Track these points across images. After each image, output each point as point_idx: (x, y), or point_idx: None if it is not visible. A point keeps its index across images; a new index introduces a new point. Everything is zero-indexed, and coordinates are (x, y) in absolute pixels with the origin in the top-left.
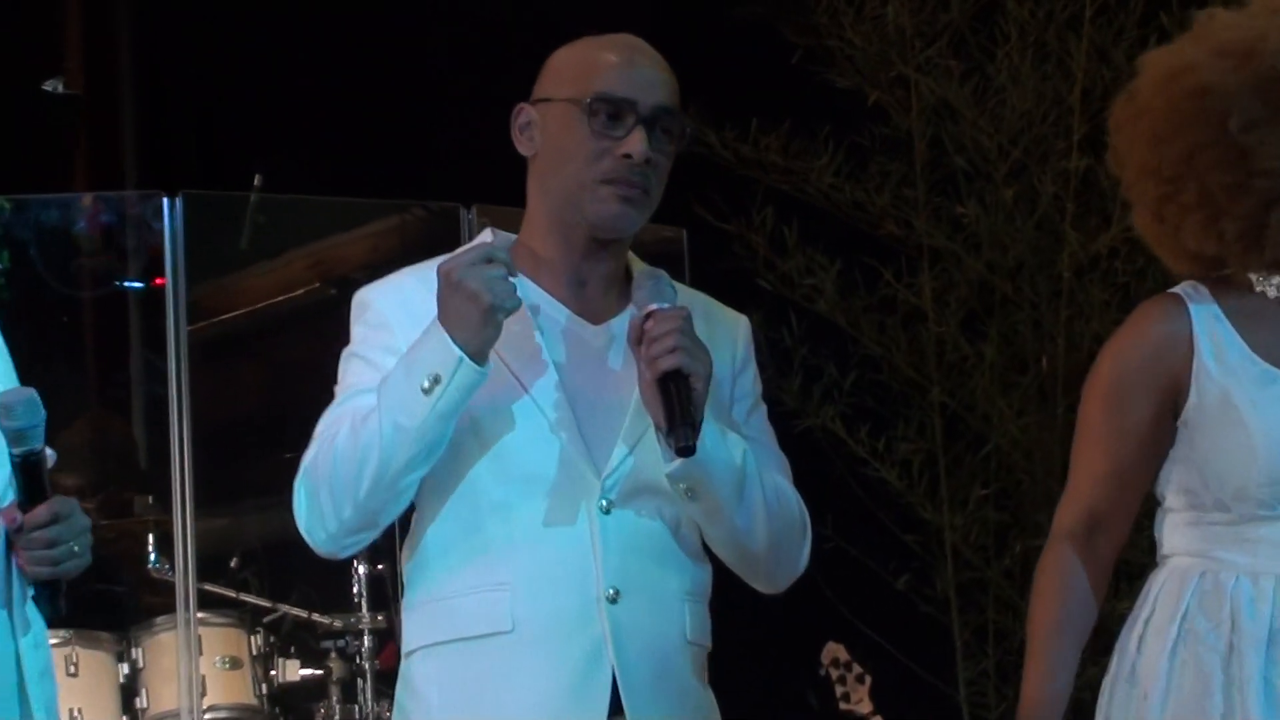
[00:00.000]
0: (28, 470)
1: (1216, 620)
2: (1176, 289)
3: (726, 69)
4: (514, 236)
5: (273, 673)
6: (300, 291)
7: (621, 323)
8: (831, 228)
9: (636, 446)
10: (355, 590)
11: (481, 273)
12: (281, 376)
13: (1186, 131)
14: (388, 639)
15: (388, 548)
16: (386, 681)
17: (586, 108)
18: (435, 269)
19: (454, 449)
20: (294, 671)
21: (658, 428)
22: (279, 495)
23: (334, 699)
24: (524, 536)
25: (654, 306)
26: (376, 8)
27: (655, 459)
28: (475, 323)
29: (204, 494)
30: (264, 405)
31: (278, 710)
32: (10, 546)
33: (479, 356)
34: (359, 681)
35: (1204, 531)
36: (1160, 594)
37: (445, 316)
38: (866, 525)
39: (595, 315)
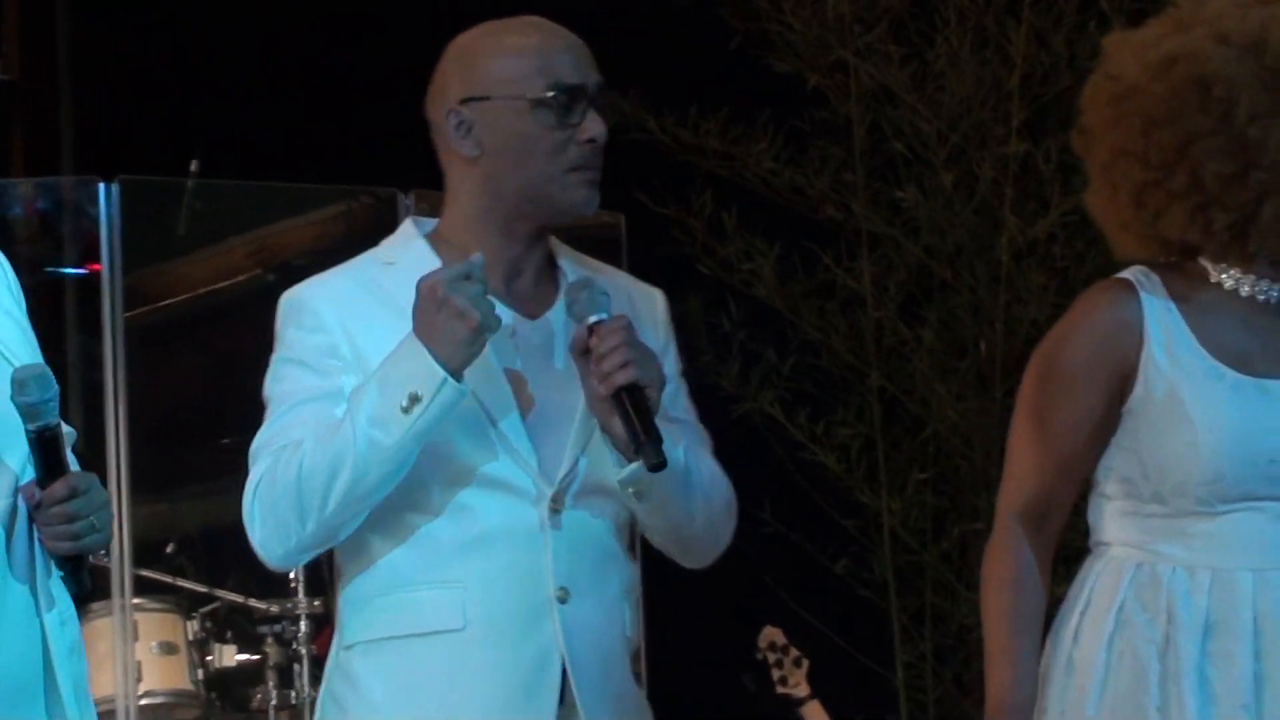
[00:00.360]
0: (44, 445)
1: (1153, 612)
2: (1127, 274)
3: (666, 54)
4: (435, 222)
5: (209, 658)
6: (240, 278)
7: (557, 316)
8: (770, 212)
9: (587, 448)
10: (291, 576)
11: (467, 290)
12: (220, 363)
13: (1185, 118)
14: (324, 624)
15: None
16: (323, 666)
17: (547, 101)
18: (363, 266)
19: None
20: (230, 657)
21: (613, 440)
22: (216, 481)
23: (270, 684)
24: (476, 536)
25: (594, 319)
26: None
27: (603, 460)
28: (462, 341)
29: (140, 480)
30: (202, 392)
31: (214, 695)
32: (32, 523)
33: (458, 374)
34: (295, 666)
35: (1141, 523)
36: (1097, 584)
37: (428, 333)
38: (805, 509)
39: (530, 308)
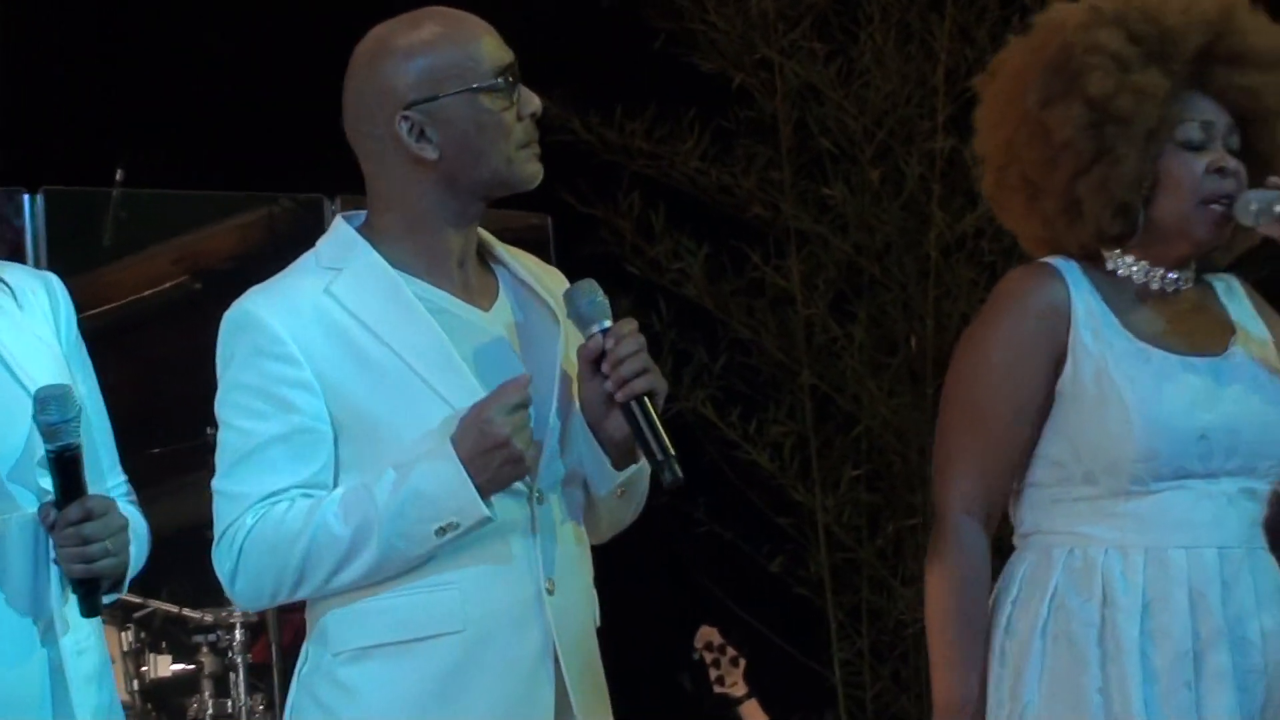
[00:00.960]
0: (63, 466)
1: (1088, 595)
2: (1047, 259)
3: (590, 54)
4: (363, 216)
5: (144, 668)
6: (166, 285)
7: (504, 306)
8: (698, 212)
9: (561, 435)
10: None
11: (523, 431)
12: (149, 371)
13: (1004, 116)
14: (260, 633)
15: None
16: (259, 675)
17: (494, 87)
18: (309, 273)
19: (383, 462)
20: (165, 667)
21: (611, 443)
22: (146, 490)
23: (206, 694)
24: (471, 540)
25: (603, 325)
26: (230, 3)
27: (572, 446)
28: (508, 482)
29: None
30: (131, 401)
31: (150, 706)
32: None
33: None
34: (231, 676)
35: (1069, 508)
36: (1027, 573)
37: (478, 467)
38: (739, 508)
39: (479, 296)
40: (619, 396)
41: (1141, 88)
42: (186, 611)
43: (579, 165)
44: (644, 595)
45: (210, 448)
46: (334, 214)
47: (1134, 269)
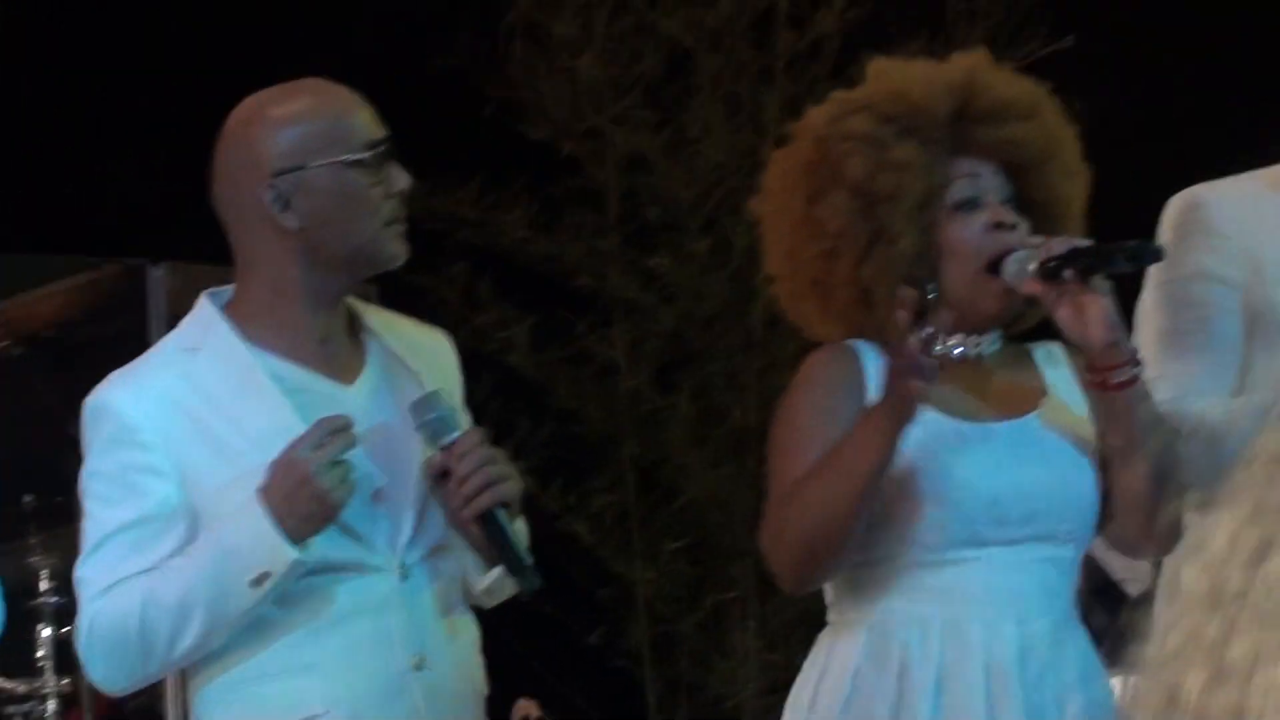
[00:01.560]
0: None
1: (886, 670)
2: (843, 341)
3: (419, 121)
4: (229, 290)
5: None
6: None
7: (368, 379)
8: (525, 281)
9: (426, 507)
10: (40, 654)
11: (332, 469)
12: None
13: (777, 227)
14: (72, 704)
15: (74, 610)
16: None
17: (363, 161)
18: (167, 357)
19: None
20: None
21: (468, 540)
22: None
23: None
24: (329, 619)
25: (450, 439)
26: (55, 64)
27: (439, 519)
28: (317, 521)
29: None
30: None
31: None
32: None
33: (305, 544)
34: None
35: (874, 584)
36: (831, 651)
37: (283, 509)
38: (558, 580)
39: (343, 371)
40: (467, 514)
41: (899, 161)
42: (0, 681)
43: (406, 233)
44: None
45: (26, 515)
46: (158, 280)
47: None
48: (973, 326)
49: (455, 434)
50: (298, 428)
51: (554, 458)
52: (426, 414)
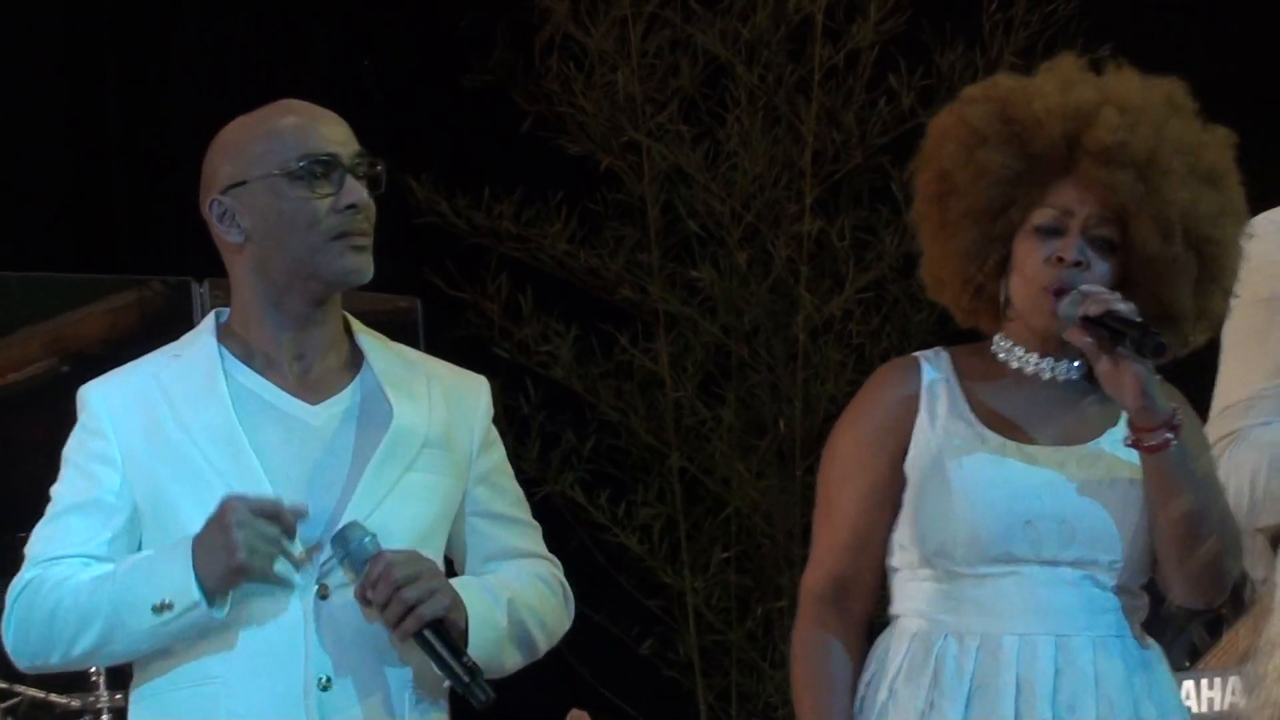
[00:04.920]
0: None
1: (919, 681)
2: (918, 353)
3: (458, 137)
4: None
5: None
6: (34, 369)
7: (341, 400)
8: (567, 294)
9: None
10: (93, 670)
11: (253, 531)
12: (14, 455)
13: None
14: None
15: None
16: None
17: (297, 172)
18: (153, 360)
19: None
20: None
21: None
22: (11, 574)
23: None
24: (237, 629)
25: (363, 578)
26: (100, 82)
27: (389, 539)
28: (221, 572)
29: None
30: None
31: None
32: None
33: (217, 597)
34: None
35: (916, 591)
36: (880, 654)
37: (201, 546)
38: (608, 591)
39: (317, 390)
40: (398, 638)
41: (984, 164)
42: (53, 697)
43: (447, 248)
44: (512, 680)
45: None
46: (202, 297)
47: (1003, 350)
48: (1038, 345)
49: (359, 566)
50: (237, 432)
51: (600, 470)
52: (348, 545)
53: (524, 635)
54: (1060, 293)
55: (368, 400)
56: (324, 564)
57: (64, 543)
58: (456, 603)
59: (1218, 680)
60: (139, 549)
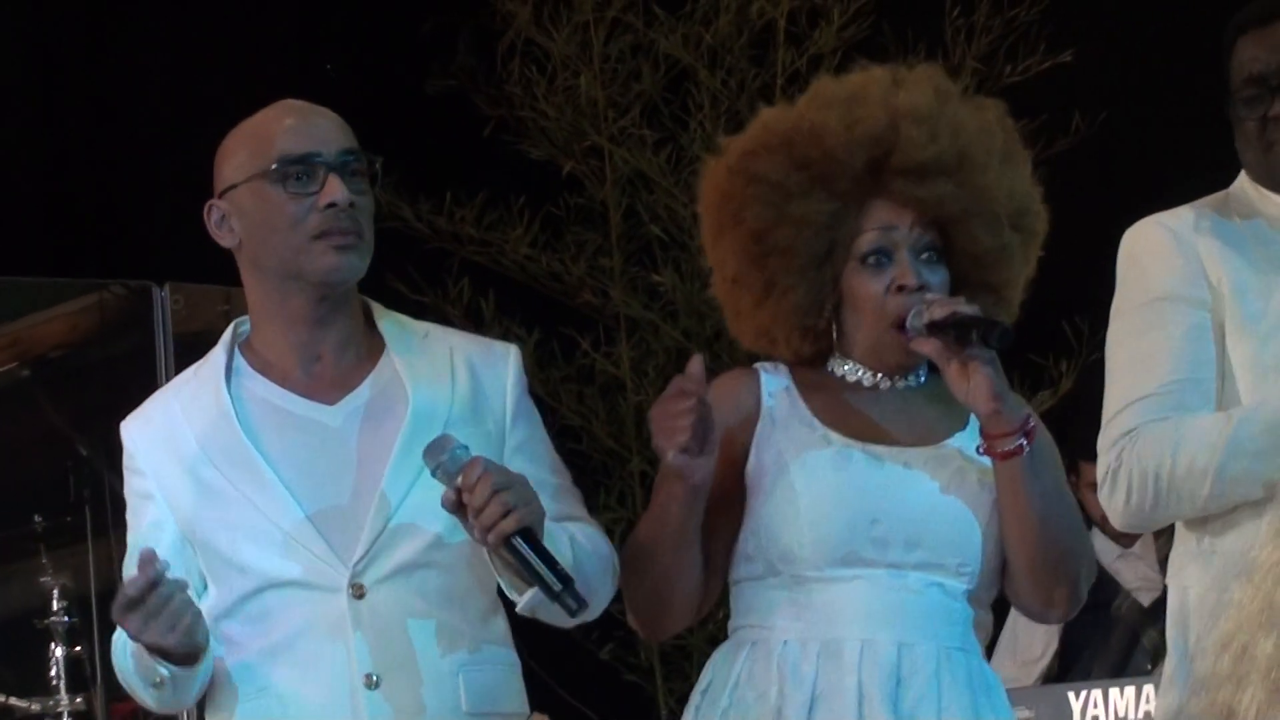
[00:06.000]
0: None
1: (763, 688)
2: (759, 365)
3: (420, 141)
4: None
5: None
6: None
7: (360, 395)
8: (528, 298)
9: (389, 526)
10: (53, 673)
11: (140, 617)
12: None
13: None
14: None
15: (86, 629)
16: None
17: (274, 174)
18: (181, 380)
19: (217, 573)
20: None
21: (516, 579)
22: None
23: None
24: (280, 641)
25: (461, 476)
26: (63, 86)
27: (419, 532)
28: (166, 648)
29: None
30: None
31: None
32: None
33: (189, 660)
34: None
35: (758, 600)
36: (719, 662)
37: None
38: None
39: (335, 388)
40: (490, 542)
41: (800, 217)
42: (13, 701)
43: (409, 252)
44: None
45: (38, 535)
46: (164, 301)
47: (847, 369)
48: (889, 370)
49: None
50: (246, 448)
51: None
52: (439, 455)
53: (585, 578)
54: (900, 323)
55: (387, 390)
56: (356, 564)
57: None
58: (543, 515)
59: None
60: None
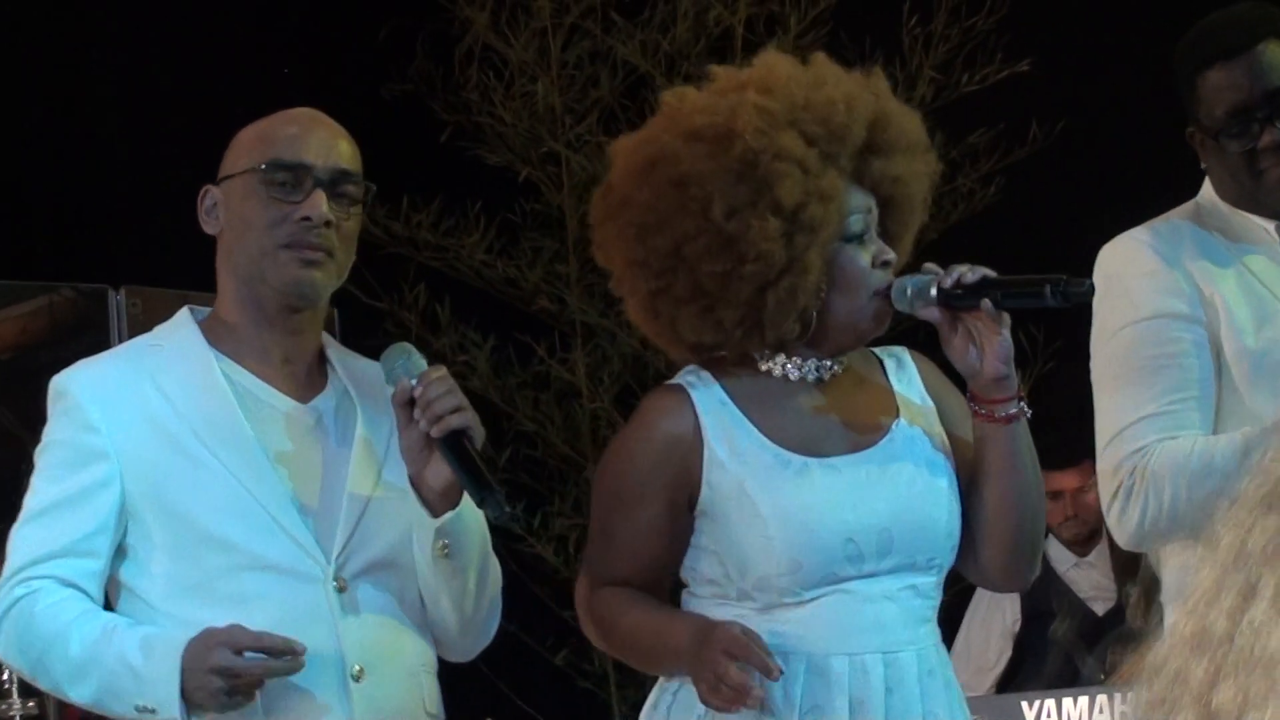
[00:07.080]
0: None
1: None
2: (678, 379)
3: (377, 146)
4: (208, 311)
5: None
6: None
7: (327, 401)
8: (484, 304)
9: (360, 524)
10: (4, 676)
11: (224, 687)
12: None
13: (672, 222)
14: None
15: None
16: None
17: (263, 174)
18: (132, 349)
19: (184, 547)
20: None
21: (429, 490)
22: None
23: None
24: (265, 626)
25: (418, 374)
26: (18, 87)
27: (382, 533)
28: (203, 699)
29: None
30: None
31: None
32: None
33: (196, 709)
34: None
35: (731, 614)
36: (685, 684)
37: (189, 672)
38: (523, 602)
39: (301, 392)
40: (434, 432)
41: (825, 192)
42: None
43: (365, 257)
44: None
45: None
46: (119, 304)
47: (788, 367)
48: (831, 353)
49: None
50: (243, 426)
51: (516, 481)
52: (396, 362)
53: (486, 550)
54: (883, 292)
55: (340, 403)
56: (338, 556)
57: (49, 545)
58: (482, 436)
59: (1130, 695)
60: (123, 538)
